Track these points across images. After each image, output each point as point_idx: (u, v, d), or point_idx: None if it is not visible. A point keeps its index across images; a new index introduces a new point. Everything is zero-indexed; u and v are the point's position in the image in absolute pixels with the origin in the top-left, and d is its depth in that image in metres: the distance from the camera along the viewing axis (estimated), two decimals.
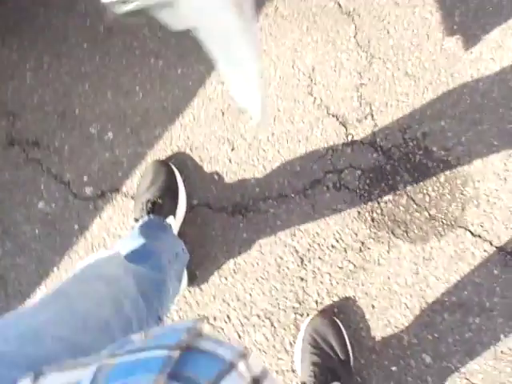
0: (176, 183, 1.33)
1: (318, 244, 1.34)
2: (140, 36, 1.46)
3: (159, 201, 1.25)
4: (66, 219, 1.43)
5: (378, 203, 1.34)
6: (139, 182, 1.34)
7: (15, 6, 1.52)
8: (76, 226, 1.43)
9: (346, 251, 1.33)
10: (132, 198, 1.39)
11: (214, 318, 1.34)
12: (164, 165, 1.33)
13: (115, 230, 1.40)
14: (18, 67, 1.50)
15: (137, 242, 1.08)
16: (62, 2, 1.50)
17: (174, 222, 1.28)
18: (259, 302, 1.33)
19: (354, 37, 1.41)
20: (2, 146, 1.48)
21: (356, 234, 1.33)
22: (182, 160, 1.40)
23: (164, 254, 1.08)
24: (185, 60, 1.44)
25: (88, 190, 1.43)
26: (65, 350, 0.60)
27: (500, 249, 1.27)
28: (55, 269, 1.43)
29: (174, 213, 1.29)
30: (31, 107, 1.48)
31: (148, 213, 1.21)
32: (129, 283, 0.85)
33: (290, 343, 1.29)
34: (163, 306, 0.99)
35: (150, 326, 0.85)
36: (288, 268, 1.34)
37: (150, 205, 1.23)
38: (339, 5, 1.42)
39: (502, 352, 1.23)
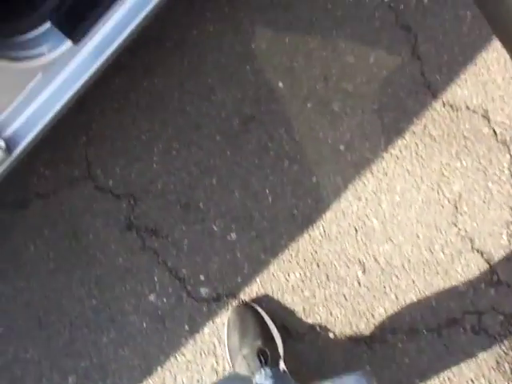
0: (266, 323, 1.27)
1: None
2: (276, 136, 1.40)
3: (266, 349, 1.18)
4: (176, 317, 1.37)
5: None
6: (227, 334, 1.28)
7: (150, 87, 1.48)
8: (186, 327, 1.37)
9: None
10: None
11: None
12: (248, 308, 1.27)
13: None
14: (146, 150, 1.46)
15: None
16: (198, 89, 1.46)
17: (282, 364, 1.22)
18: None
19: (509, 168, 1.31)
20: (119, 230, 1.44)
21: None
22: (306, 273, 1.33)
23: None
24: (321, 168, 1.37)
25: (203, 291, 1.37)
26: None
27: None
28: (159, 368, 1.37)
29: (279, 354, 1.22)
30: (154, 193, 1.44)
31: (261, 366, 1.14)
32: None
33: None
34: None
35: None
36: None
37: (260, 357, 1.16)
38: (494, 132, 1.33)
39: None
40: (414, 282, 1.30)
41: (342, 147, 1.37)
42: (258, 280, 1.35)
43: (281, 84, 1.43)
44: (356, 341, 1.29)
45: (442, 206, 1.32)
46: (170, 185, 1.44)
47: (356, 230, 1.34)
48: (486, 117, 1.34)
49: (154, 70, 1.48)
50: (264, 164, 1.41)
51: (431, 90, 1.36)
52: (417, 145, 1.35)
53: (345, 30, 1.42)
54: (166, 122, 1.47)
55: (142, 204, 1.44)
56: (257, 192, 1.40)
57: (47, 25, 1.12)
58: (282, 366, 1.21)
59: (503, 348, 1.24)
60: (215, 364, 1.34)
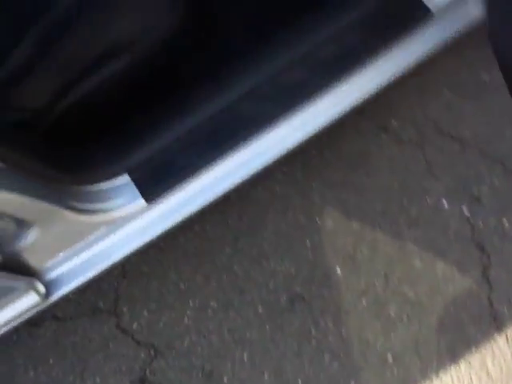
0: None
1: None
2: (322, 325, 1.31)
3: None
4: None
5: None
6: None
7: (201, 233, 1.41)
8: None
9: None
10: None
11: None
12: None
13: None
14: (181, 300, 1.36)
15: None
16: (251, 251, 1.38)
17: None
18: None
19: None
20: (131, 381, 1.32)
21: None
22: None
23: None
24: (363, 375, 1.28)
25: None
26: None
27: None
28: None
29: None
30: (178, 350, 1.33)
31: None
32: None
33: None
34: None
35: None
36: None
37: None
38: None
39: None
40: None
41: (390, 358, 1.27)
42: None
43: (338, 270, 1.35)
44: None
45: None
46: (198, 346, 1.33)
47: None
48: None
49: (209, 217, 1.41)
50: (303, 352, 1.30)
51: (496, 321, 1.27)
52: (471, 378, 1.24)
53: (416, 231, 1.36)
54: (210, 276, 1.38)
55: (162, 359, 1.33)
56: (289, 381, 1.29)
57: (123, 179, 1.06)
58: None
59: None
60: None
